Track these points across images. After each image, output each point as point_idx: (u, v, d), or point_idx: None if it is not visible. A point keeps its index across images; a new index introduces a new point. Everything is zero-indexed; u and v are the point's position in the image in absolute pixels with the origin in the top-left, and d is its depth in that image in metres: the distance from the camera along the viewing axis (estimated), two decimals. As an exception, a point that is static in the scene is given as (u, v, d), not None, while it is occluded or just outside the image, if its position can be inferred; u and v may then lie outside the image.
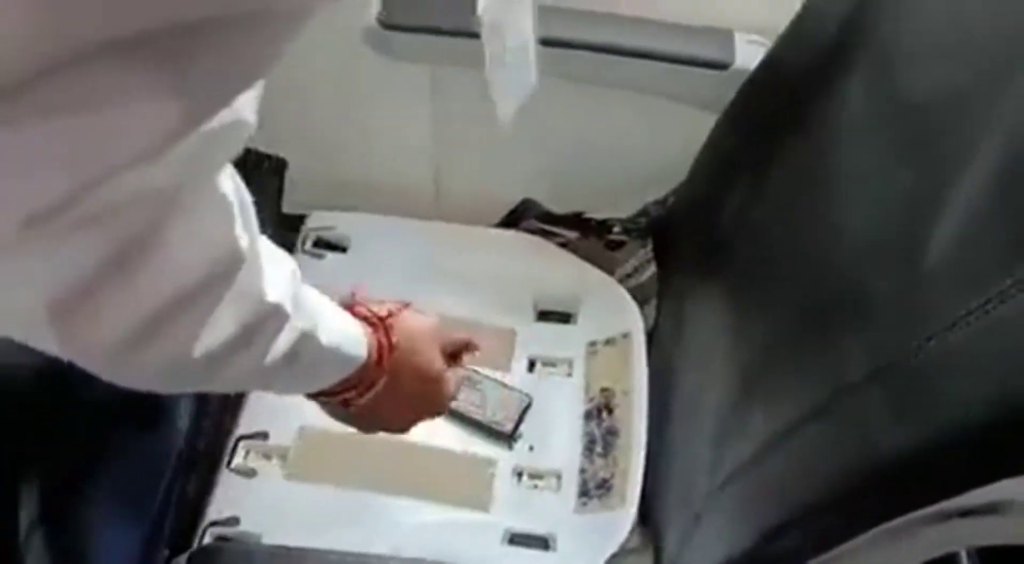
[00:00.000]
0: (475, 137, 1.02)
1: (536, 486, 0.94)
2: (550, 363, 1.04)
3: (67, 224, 0.32)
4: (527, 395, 0.99)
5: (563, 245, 1.14)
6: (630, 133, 1.06)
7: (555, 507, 0.93)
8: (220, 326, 0.42)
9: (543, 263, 1.10)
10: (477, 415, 0.97)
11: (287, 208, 1.16)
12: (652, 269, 1.10)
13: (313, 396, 0.64)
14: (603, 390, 1.00)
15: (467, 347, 0.76)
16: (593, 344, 1.04)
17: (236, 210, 0.40)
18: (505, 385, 0.99)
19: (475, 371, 0.97)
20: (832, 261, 0.65)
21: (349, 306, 0.63)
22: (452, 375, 0.73)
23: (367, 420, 0.68)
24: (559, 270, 1.10)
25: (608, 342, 1.04)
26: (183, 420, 0.92)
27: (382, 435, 0.73)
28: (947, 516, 0.51)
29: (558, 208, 1.16)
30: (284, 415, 0.94)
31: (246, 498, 0.90)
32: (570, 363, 1.03)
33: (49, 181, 0.31)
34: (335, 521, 0.88)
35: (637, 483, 0.90)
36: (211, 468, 0.92)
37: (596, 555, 0.87)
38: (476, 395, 0.97)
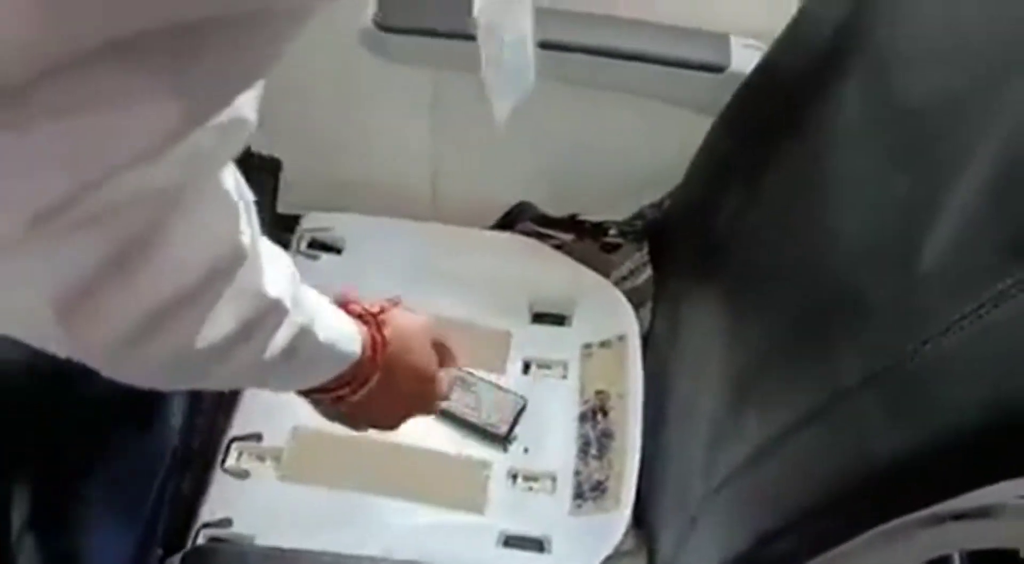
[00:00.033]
0: (471, 139, 1.02)
1: (531, 488, 0.94)
2: (545, 365, 1.04)
3: (68, 224, 0.32)
4: (522, 397, 0.99)
5: (559, 247, 1.14)
6: (626, 136, 1.06)
7: (550, 509, 0.93)
8: (220, 322, 0.42)
9: (539, 265, 1.10)
10: (472, 417, 0.96)
11: (282, 208, 1.16)
12: (648, 272, 1.10)
13: (306, 394, 0.64)
14: (598, 392, 1.00)
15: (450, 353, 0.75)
16: (588, 346, 1.04)
17: (239, 207, 0.40)
18: (500, 387, 0.99)
19: (470, 373, 0.97)
20: (827, 265, 0.65)
21: (342, 304, 0.63)
22: (445, 374, 0.73)
23: (359, 417, 0.68)
24: (554, 272, 1.10)
25: (603, 344, 1.04)
26: (176, 418, 0.92)
27: (376, 436, 0.73)
28: (941, 519, 0.52)
29: (554, 210, 1.16)
30: (278, 416, 0.93)
31: (239, 499, 0.90)
32: (565, 365, 1.03)
33: (50, 181, 0.31)
34: (328, 523, 0.88)
35: (632, 486, 0.90)
36: (205, 467, 0.92)
37: (591, 557, 0.87)
38: (471, 397, 0.97)
